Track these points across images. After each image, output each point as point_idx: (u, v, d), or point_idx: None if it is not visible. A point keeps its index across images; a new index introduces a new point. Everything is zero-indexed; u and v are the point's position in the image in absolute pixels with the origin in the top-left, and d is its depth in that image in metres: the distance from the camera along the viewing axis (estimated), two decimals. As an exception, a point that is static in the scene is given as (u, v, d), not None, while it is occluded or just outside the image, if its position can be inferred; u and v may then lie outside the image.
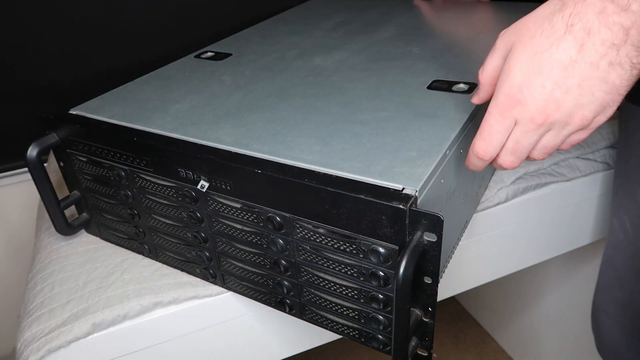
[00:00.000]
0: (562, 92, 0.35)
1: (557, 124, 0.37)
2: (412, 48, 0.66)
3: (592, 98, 0.35)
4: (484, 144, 0.40)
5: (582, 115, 0.36)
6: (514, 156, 0.40)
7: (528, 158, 0.42)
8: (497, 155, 0.41)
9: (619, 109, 0.64)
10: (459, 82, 0.54)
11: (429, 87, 0.54)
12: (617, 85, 0.34)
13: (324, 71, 0.61)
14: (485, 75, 0.41)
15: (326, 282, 0.45)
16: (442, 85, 0.54)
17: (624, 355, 0.74)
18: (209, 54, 0.70)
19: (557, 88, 0.35)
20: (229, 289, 0.55)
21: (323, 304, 0.47)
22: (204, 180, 0.46)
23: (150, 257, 0.59)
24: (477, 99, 0.44)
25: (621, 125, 0.69)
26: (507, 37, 0.39)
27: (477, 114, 0.51)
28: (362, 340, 0.47)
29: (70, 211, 0.63)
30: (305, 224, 0.43)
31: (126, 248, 0.61)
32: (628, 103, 0.64)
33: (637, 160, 0.65)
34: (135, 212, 0.55)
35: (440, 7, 0.83)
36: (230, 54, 0.69)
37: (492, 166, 0.44)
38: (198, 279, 0.56)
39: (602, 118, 0.37)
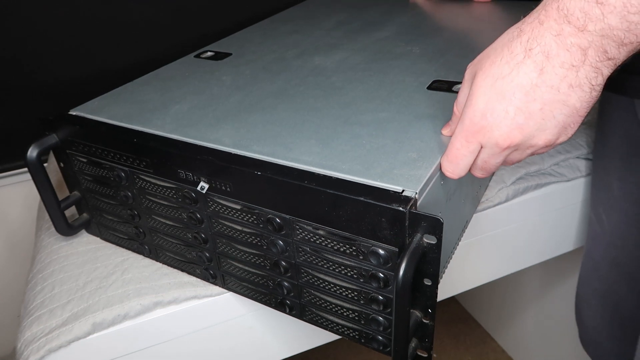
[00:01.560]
0: (524, 117, 0.36)
1: (521, 145, 0.38)
2: (412, 48, 0.66)
3: (553, 122, 0.36)
4: (451, 166, 0.41)
5: (545, 138, 0.37)
6: (484, 171, 0.42)
7: None
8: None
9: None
10: (459, 83, 0.54)
11: (429, 88, 0.54)
12: (577, 107, 0.35)
13: (324, 71, 0.61)
14: (459, 106, 0.42)
15: (326, 283, 0.45)
16: (442, 86, 0.54)
17: (605, 345, 0.75)
18: (209, 53, 0.70)
19: (520, 113, 0.36)
20: (229, 289, 0.55)
21: (323, 305, 0.47)
22: (204, 181, 0.46)
23: (151, 258, 0.59)
24: (448, 130, 0.45)
25: (597, 118, 0.69)
26: (472, 67, 0.40)
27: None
28: (362, 341, 0.47)
29: (71, 211, 0.63)
30: (305, 226, 0.43)
31: (126, 248, 0.61)
32: (604, 93, 0.65)
33: (613, 152, 0.66)
34: (136, 212, 0.55)
35: (440, 7, 0.83)
36: (230, 54, 0.69)
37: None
38: (198, 279, 0.56)
39: (564, 138, 0.38)
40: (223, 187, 0.46)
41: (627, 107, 0.61)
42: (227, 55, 0.69)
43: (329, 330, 0.49)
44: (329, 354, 1.30)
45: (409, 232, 0.37)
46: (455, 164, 0.41)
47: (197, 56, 0.70)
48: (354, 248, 0.41)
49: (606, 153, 0.67)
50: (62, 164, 0.58)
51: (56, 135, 0.55)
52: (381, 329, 0.44)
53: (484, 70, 0.37)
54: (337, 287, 0.45)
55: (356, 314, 0.45)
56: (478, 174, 0.43)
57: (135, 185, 0.53)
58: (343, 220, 0.40)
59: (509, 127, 0.36)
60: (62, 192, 0.61)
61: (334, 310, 0.47)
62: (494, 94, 0.36)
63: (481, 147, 0.39)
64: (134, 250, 0.60)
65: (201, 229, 0.51)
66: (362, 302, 0.44)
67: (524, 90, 0.35)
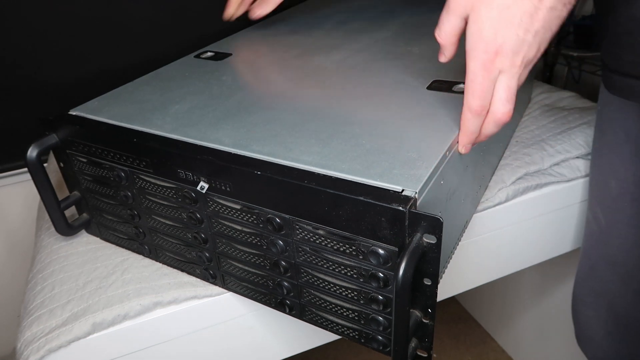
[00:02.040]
0: (532, 35, 0.41)
1: (531, 60, 0.42)
2: (412, 48, 0.66)
3: (550, 33, 0.42)
4: (479, 101, 0.43)
5: (544, 47, 0.42)
6: (510, 103, 0.44)
7: None
8: (492, 112, 0.44)
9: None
10: (459, 82, 0.54)
11: (429, 88, 0.54)
12: (564, 17, 0.41)
13: (324, 71, 0.61)
14: (445, 36, 0.45)
15: (326, 283, 0.45)
16: (442, 86, 0.54)
17: (601, 344, 0.76)
18: (209, 54, 0.70)
19: (528, 33, 0.40)
20: (229, 289, 0.55)
21: (323, 305, 0.47)
22: (204, 181, 0.46)
23: (151, 258, 0.59)
24: (444, 58, 0.47)
25: (597, 117, 0.70)
26: None
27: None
28: (362, 341, 0.47)
29: (71, 211, 0.63)
30: (305, 225, 0.43)
31: (126, 248, 0.61)
32: (605, 93, 0.65)
33: (612, 152, 0.66)
34: (135, 212, 0.55)
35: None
36: (230, 54, 0.69)
37: (485, 131, 0.46)
38: (198, 279, 0.56)
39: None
40: (223, 187, 0.46)
41: (629, 109, 0.61)
42: (227, 55, 0.69)
43: (329, 330, 0.49)
44: (329, 354, 1.30)
45: (408, 231, 0.37)
46: (483, 97, 0.43)
47: (197, 56, 0.70)
48: (353, 248, 0.41)
49: (605, 152, 0.68)
50: (62, 164, 0.58)
51: (56, 135, 0.55)
52: (381, 328, 0.44)
53: (487, 3, 0.40)
54: (337, 287, 0.45)
55: (356, 313, 0.45)
56: (506, 109, 0.44)
57: (135, 185, 0.53)
58: (343, 220, 0.40)
59: (520, 47, 0.41)
60: (62, 192, 0.61)
61: (333, 310, 0.47)
62: (502, 22, 0.40)
63: (499, 75, 0.42)
64: (133, 250, 0.60)
65: (201, 229, 0.51)
66: (362, 302, 0.44)
67: (529, 14, 0.40)
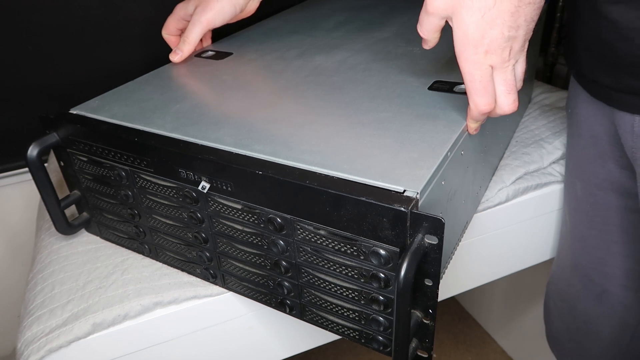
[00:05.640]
0: (515, 30, 0.42)
1: (520, 51, 0.44)
2: (413, 48, 0.65)
3: (533, 23, 0.43)
4: (485, 99, 0.44)
5: (529, 36, 0.43)
6: (511, 94, 0.45)
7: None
8: (499, 106, 0.45)
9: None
10: (460, 83, 0.54)
11: (430, 88, 0.54)
12: (542, 6, 0.42)
13: (324, 71, 0.61)
14: (427, 32, 0.46)
15: (327, 283, 0.45)
16: (443, 86, 0.54)
17: (566, 346, 0.76)
18: (210, 53, 0.70)
19: (512, 29, 0.41)
20: (230, 289, 0.55)
21: (323, 305, 0.47)
22: (205, 181, 0.46)
23: (151, 257, 0.59)
24: (428, 46, 0.49)
25: (567, 121, 0.70)
26: (443, 1, 0.43)
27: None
28: (363, 341, 0.47)
29: (71, 211, 0.63)
30: (306, 226, 0.43)
31: (127, 248, 0.61)
32: (573, 96, 0.65)
33: (578, 154, 0.67)
34: (136, 212, 0.55)
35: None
36: (231, 53, 0.69)
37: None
38: (198, 279, 0.56)
39: None
40: (224, 187, 0.46)
41: (597, 113, 0.60)
42: (228, 54, 0.69)
43: (329, 331, 0.49)
44: (329, 354, 1.30)
45: (410, 232, 0.37)
46: (488, 93, 0.44)
47: (198, 55, 0.70)
48: (355, 248, 0.41)
49: (573, 154, 0.68)
50: (62, 163, 0.58)
51: (57, 134, 0.55)
52: (381, 329, 0.44)
53: (468, 7, 0.41)
54: (338, 287, 0.45)
55: (357, 314, 0.45)
56: (510, 100, 0.45)
57: (135, 185, 0.53)
58: (344, 220, 0.40)
59: (506, 43, 0.42)
60: (63, 192, 0.61)
61: (334, 310, 0.47)
62: (486, 23, 0.41)
63: (493, 70, 0.44)
64: (134, 250, 0.60)
65: (202, 229, 0.51)
66: (362, 302, 0.44)
67: (510, 13, 0.41)
